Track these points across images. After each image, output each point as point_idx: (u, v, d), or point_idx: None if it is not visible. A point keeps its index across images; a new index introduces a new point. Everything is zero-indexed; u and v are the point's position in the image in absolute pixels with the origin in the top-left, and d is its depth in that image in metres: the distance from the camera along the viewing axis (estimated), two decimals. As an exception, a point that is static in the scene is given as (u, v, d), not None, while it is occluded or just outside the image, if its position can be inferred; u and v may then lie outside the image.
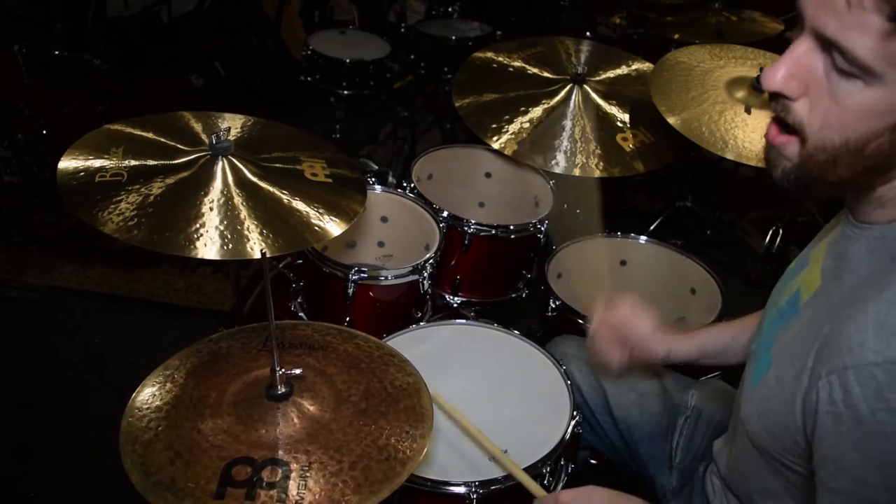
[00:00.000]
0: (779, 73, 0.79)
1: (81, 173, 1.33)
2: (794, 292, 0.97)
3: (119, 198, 1.28)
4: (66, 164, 1.35)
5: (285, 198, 1.37)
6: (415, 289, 1.73)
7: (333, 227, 1.36)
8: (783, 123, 0.83)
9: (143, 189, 1.31)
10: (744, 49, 2.03)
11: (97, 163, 1.36)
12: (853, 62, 0.72)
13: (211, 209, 1.29)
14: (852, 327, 0.77)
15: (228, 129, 1.42)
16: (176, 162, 1.39)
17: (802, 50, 0.78)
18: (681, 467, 1.37)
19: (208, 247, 1.23)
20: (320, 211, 1.38)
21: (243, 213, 1.31)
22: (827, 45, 0.75)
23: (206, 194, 1.32)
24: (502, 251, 1.94)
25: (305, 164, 1.50)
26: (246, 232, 1.27)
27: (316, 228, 1.35)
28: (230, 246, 1.25)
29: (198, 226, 1.26)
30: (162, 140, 1.46)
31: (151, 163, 1.38)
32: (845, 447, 0.78)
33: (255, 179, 1.38)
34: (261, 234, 1.28)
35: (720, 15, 2.89)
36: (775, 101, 0.82)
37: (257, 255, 1.22)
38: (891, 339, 0.74)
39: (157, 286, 2.70)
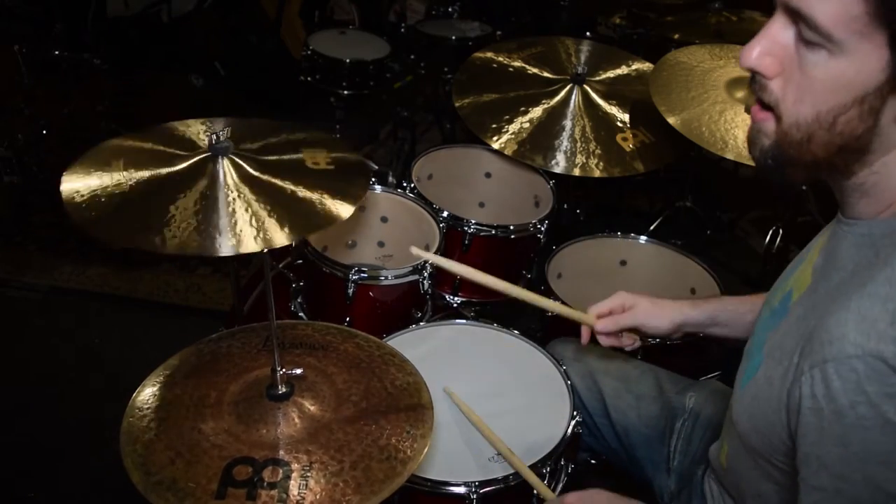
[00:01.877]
0: (754, 51, 0.82)
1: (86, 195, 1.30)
2: (787, 292, 0.98)
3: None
4: (70, 186, 1.32)
5: (289, 187, 1.36)
6: (415, 289, 1.74)
7: (342, 209, 1.34)
8: (762, 102, 0.85)
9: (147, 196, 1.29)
10: (744, 49, 2.03)
11: (100, 181, 1.34)
12: (815, 29, 0.75)
13: (227, 206, 1.28)
14: (833, 321, 0.78)
15: (226, 129, 1.42)
16: (178, 167, 1.38)
17: (775, 27, 0.81)
18: (679, 470, 1.36)
19: (228, 243, 1.22)
20: (325, 196, 1.36)
21: (254, 206, 1.30)
22: (794, 16, 0.78)
23: (214, 193, 1.31)
24: (502, 251, 1.94)
25: (306, 154, 1.50)
26: (259, 223, 1.26)
27: (325, 212, 1.32)
28: (259, 236, 1.23)
29: (216, 224, 1.25)
30: (160, 148, 1.45)
31: (154, 171, 1.36)
32: (826, 443, 0.78)
33: (258, 174, 1.38)
34: (277, 222, 1.26)
35: (720, 15, 2.88)
36: (753, 81, 0.85)
37: (281, 242, 1.21)
38: (871, 332, 0.74)
39: (157, 286, 2.70)
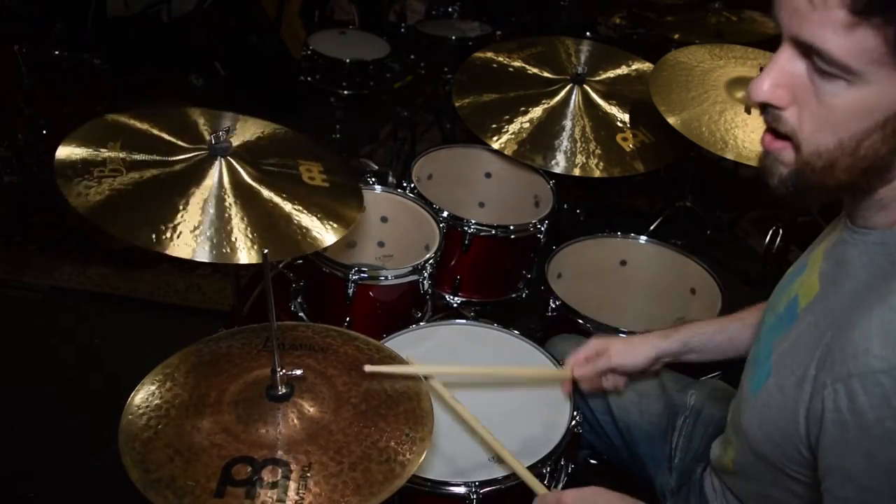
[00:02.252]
0: (765, 85, 0.80)
1: (79, 166, 1.32)
2: (792, 298, 0.97)
3: (111, 185, 1.28)
4: (65, 153, 1.35)
5: (281, 202, 1.37)
6: (415, 289, 1.73)
7: (330, 235, 1.37)
8: (777, 132, 0.83)
9: (139, 187, 1.30)
10: (744, 49, 2.03)
11: (95, 157, 1.35)
12: (831, 63, 0.73)
13: (204, 210, 1.29)
14: (857, 335, 0.77)
15: (228, 130, 1.42)
16: (174, 159, 1.39)
17: (784, 58, 0.78)
18: (680, 467, 1.37)
19: (200, 248, 1.24)
20: (318, 216, 1.38)
21: (237, 215, 1.31)
22: (805, 49, 0.76)
23: (202, 194, 1.32)
24: (502, 251, 1.94)
25: (303, 168, 1.50)
26: (240, 235, 1.28)
27: (315, 235, 1.35)
28: (227, 250, 1.25)
29: (189, 225, 1.26)
30: (162, 135, 1.46)
31: (149, 158, 1.38)
32: (852, 455, 0.78)
33: (251, 182, 1.38)
34: (251, 238, 1.28)
35: (720, 15, 2.89)
36: (766, 112, 0.83)
37: (244, 260, 1.23)
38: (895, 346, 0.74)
39: (157, 286, 2.70)
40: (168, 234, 1.24)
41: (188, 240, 1.24)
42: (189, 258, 1.23)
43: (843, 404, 0.77)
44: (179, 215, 1.28)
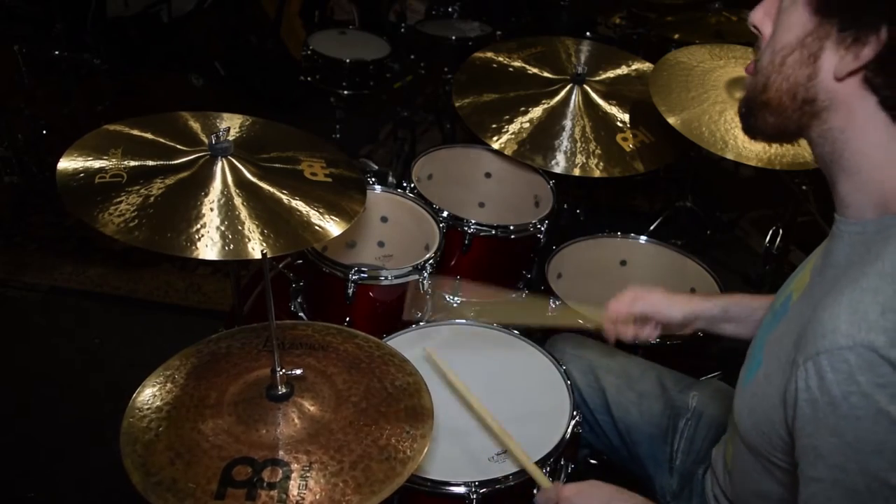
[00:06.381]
0: (759, 12, 0.90)
1: (81, 174, 1.34)
2: (788, 295, 1.00)
3: (119, 199, 1.29)
4: (66, 164, 1.36)
5: (285, 198, 1.38)
6: (415, 289, 1.73)
7: (333, 226, 1.37)
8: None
9: (143, 190, 1.31)
10: (744, 49, 2.03)
11: (97, 164, 1.37)
12: None
13: (211, 210, 1.30)
14: (827, 315, 0.79)
15: (228, 130, 1.42)
16: (175, 162, 1.39)
17: None
18: (681, 469, 1.36)
19: (209, 247, 1.24)
20: (320, 211, 1.38)
21: (243, 213, 1.31)
22: None
23: (207, 195, 1.33)
24: (502, 251, 1.94)
25: (305, 164, 1.51)
26: (246, 232, 1.28)
27: (316, 228, 1.35)
28: (231, 246, 1.25)
29: (199, 226, 1.27)
30: (161, 140, 1.47)
31: (151, 163, 1.39)
32: (822, 434, 0.79)
33: (254, 179, 1.39)
34: (261, 234, 1.28)
35: (720, 15, 2.89)
36: (755, 45, 0.92)
37: (258, 256, 1.23)
38: (862, 323, 0.75)
39: (157, 286, 2.70)
40: (195, 238, 1.25)
41: (209, 241, 1.25)
42: (219, 259, 1.25)
43: (814, 382, 0.78)
44: (199, 218, 1.28)
